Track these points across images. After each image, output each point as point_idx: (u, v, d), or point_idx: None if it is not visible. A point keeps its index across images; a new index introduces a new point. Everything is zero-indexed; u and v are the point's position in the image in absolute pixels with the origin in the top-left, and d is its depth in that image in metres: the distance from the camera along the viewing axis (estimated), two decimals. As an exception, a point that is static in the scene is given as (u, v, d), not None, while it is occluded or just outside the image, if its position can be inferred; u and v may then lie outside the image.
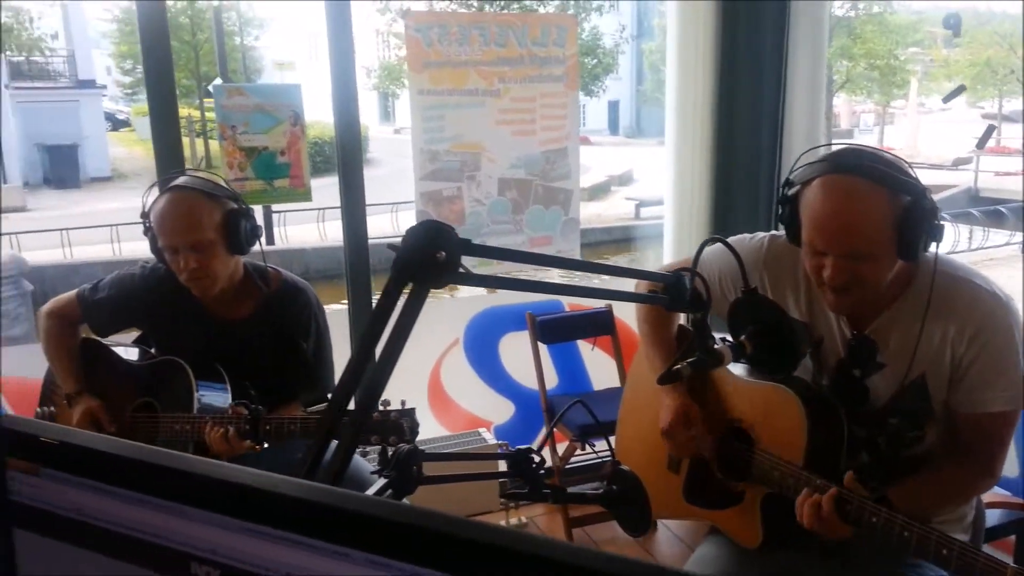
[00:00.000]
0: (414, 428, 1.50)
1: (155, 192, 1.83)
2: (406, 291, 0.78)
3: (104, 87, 19.87)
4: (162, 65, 2.55)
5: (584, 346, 3.40)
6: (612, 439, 1.74)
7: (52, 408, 1.86)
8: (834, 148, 1.37)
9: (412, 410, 1.51)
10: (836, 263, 1.30)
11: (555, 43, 3.08)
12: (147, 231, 1.79)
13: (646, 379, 1.66)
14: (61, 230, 9.81)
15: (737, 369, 1.50)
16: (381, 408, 1.58)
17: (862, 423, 1.43)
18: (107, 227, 9.73)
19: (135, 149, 21.67)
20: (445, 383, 3.28)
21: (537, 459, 1.32)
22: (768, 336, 1.13)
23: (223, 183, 1.82)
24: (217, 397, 1.74)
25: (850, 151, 1.35)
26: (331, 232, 10.50)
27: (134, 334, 1.98)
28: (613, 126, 26.46)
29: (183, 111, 20.88)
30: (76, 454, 0.43)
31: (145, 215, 1.79)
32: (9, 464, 0.45)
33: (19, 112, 16.46)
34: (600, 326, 3.25)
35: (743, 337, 1.14)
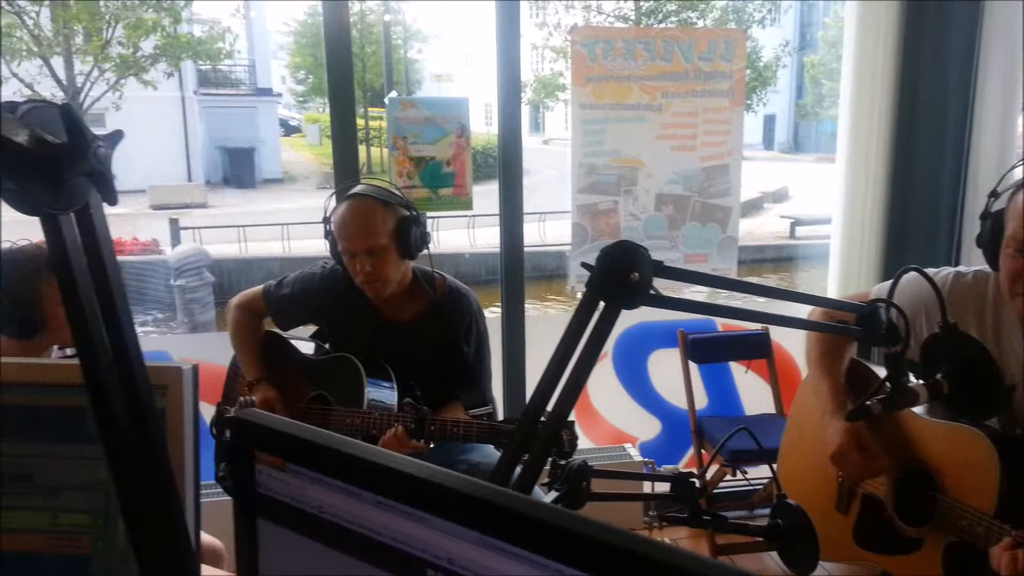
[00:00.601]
0: (573, 440, 1.50)
1: (333, 199, 1.95)
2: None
3: (279, 95, 21.37)
4: (343, 77, 2.71)
5: (737, 368, 3.29)
6: (775, 468, 1.67)
7: (251, 397, 2.00)
8: None
9: (572, 423, 1.51)
10: None
11: (722, 57, 3.01)
12: (327, 235, 1.90)
13: (812, 411, 1.58)
14: (238, 227, 10.60)
15: (919, 407, 1.40)
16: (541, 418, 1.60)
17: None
18: (279, 226, 10.45)
19: (304, 153, 23.17)
20: (592, 396, 3.27)
21: (699, 485, 1.29)
22: (969, 376, 1.04)
23: (396, 191, 1.91)
24: (384, 394, 1.83)
25: None
26: (479, 238, 10.75)
27: (312, 328, 2.10)
28: (768, 141, 25.49)
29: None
30: (322, 453, 0.46)
31: (326, 219, 1.90)
32: (257, 458, 0.49)
33: (204, 116, 18.02)
34: (755, 348, 3.14)
35: (939, 376, 1.06)
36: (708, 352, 3.12)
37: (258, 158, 18.25)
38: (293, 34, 20.64)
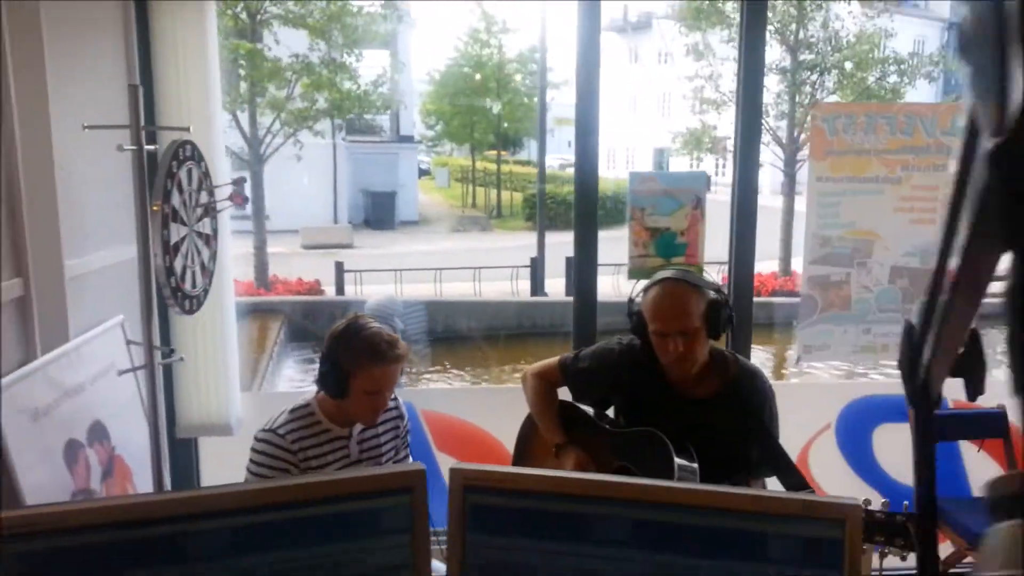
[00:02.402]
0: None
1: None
2: None
3: (420, 142, 22.28)
4: (591, 130, 2.83)
5: (966, 446, 3.18)
6: None
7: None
8: None
9: (916, 514, 1.53)
10: None
11: (965, 131, 2.98)
12: (631, 314, 2.01)
13: None
14: (395, 270, 10.97)
15: None
16: (883, 510, 1.63)
17: None
18: (433, 270, 10.86)
19: (434, 196, 23.97)
20: (812, 467, 3.23)
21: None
22: None
23: (704, 275, 2.00)
24: (691, 473, 1.89)
25: None
26: (623, 287, 10.75)
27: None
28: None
29: (479, 164, 22.88)
30: None
31: (631, 300, 2.02)
32: None
33: (351, 161, 19.04)
34: (991, 428, 3.03)
35: None
36: (940, 429, 3.03)
37: (397, 202, 19.07)
38: (432, 83, 21.54)
